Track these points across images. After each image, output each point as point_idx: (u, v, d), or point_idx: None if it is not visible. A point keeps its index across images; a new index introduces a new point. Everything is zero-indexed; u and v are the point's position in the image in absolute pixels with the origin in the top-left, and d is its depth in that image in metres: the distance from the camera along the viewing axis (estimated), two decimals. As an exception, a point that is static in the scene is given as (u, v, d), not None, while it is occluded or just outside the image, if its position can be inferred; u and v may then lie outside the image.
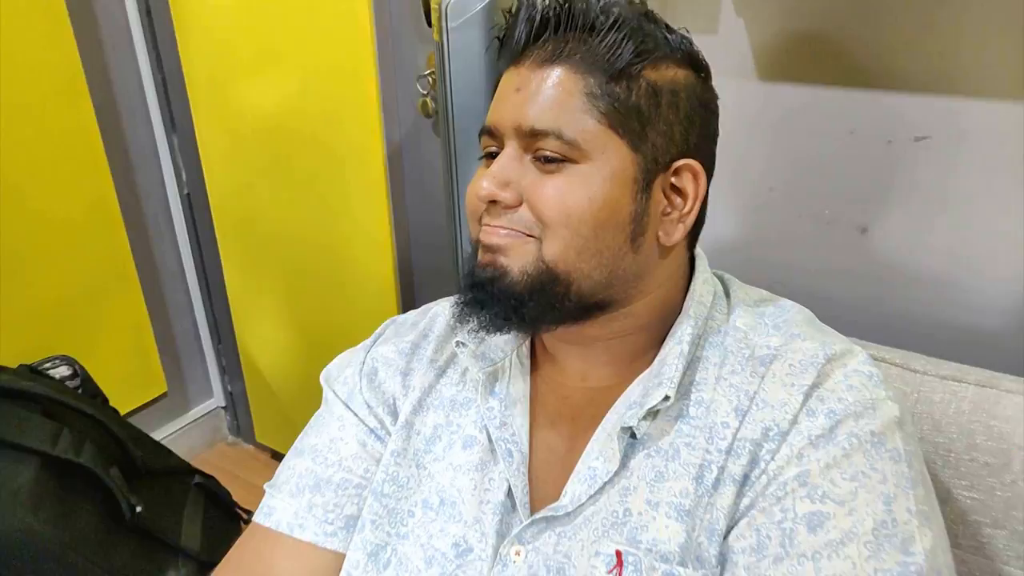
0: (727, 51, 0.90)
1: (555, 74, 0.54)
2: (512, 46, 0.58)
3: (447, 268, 1.31)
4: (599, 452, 0.56)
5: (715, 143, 0.61)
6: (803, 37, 0.86)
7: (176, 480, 1.46)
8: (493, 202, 0.55)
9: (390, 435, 0.67)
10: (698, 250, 0.65)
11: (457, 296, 0.60)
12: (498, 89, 0.58)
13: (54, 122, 1.39)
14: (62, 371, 1.44)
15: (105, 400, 1.45)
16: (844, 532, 0.49)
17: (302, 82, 1.29)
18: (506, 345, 0.65)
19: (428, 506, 0.61)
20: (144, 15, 1.46)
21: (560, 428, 0.61)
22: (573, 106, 0.53)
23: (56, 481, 1.22)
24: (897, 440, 0.52)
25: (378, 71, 1.20)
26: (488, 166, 0.58)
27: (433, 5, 0.90)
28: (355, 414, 0.69)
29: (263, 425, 1.75)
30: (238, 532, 1.55)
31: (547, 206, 0.53)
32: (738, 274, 0.68)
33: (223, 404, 1.83)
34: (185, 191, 1.61)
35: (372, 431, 0.68)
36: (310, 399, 1.70)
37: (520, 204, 0.55)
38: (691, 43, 0.59)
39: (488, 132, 0.57)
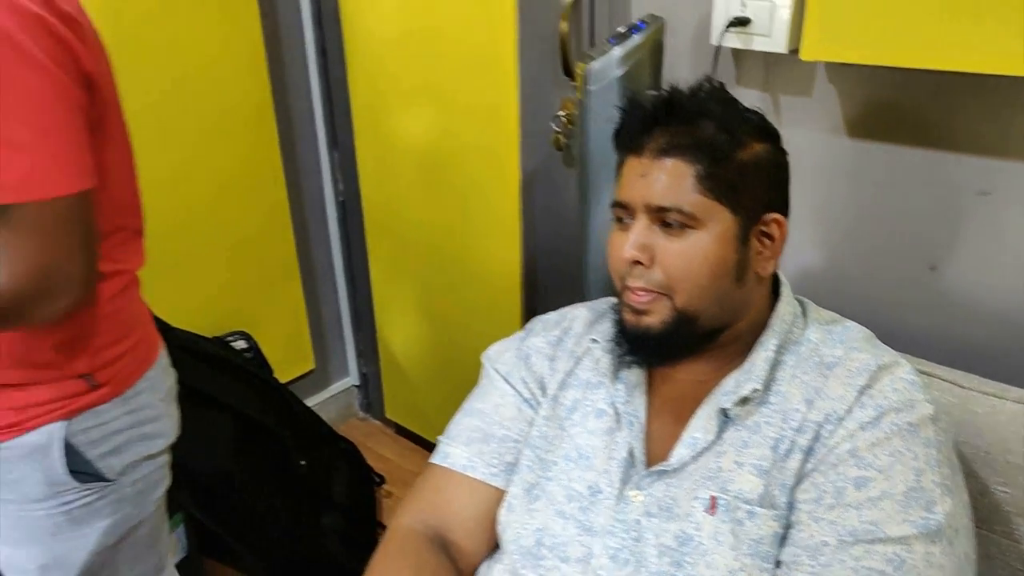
0: (820, 111, 1.09)
1: (670, 164, 0.74)
2: (629, 138, 0.79)
3: (565, 277, 1.53)
4: (701, 426, 0.77)
5: (788, 187, 0.81)
6: (885, 103, 1.04)
7: (327, 444, 1.74)
8: (634, 263, 0.76)
9: (540, 404, 0.89)
10: (783, 279, 0.84)
11: (616, 336, 0.82)
12: (624, 172, 0.79)
13: (244, 141, 1.68)
14: (240, 344, 1.74)
15: (271, 371, 1.74)
16: (881, 491, 0.68)
17: (452, 113, 1.53)
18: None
19: (568, 458, 0.83)
20: (320, 55, 1.74)
21: (669, 407, 0.82)
22: (687, 187, 0.74)
23: (243, 434, 1.50)
24: (929, 431, 0.71)
25: (519, 108, 1.42)
26: (621, 230, 0.78)
27: (577, 71, 1.12)
28: (513, 387, 0.92)
29: (393, 403, 2.01)
30: (373, 491, 1.82)
31: (675, 266, 0.74)
32: (820, 300, 0.87)
33: (357, 383, 2.11)
34: (341, 198, 1.89)
35: (526, 400, 0.90)
36: (437, 382, 1.98)
37: (653, 263, 0.75)
38: (763, 117, 0.80)
39: (620, 205, 0.78)
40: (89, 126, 0.78)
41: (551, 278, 1.57)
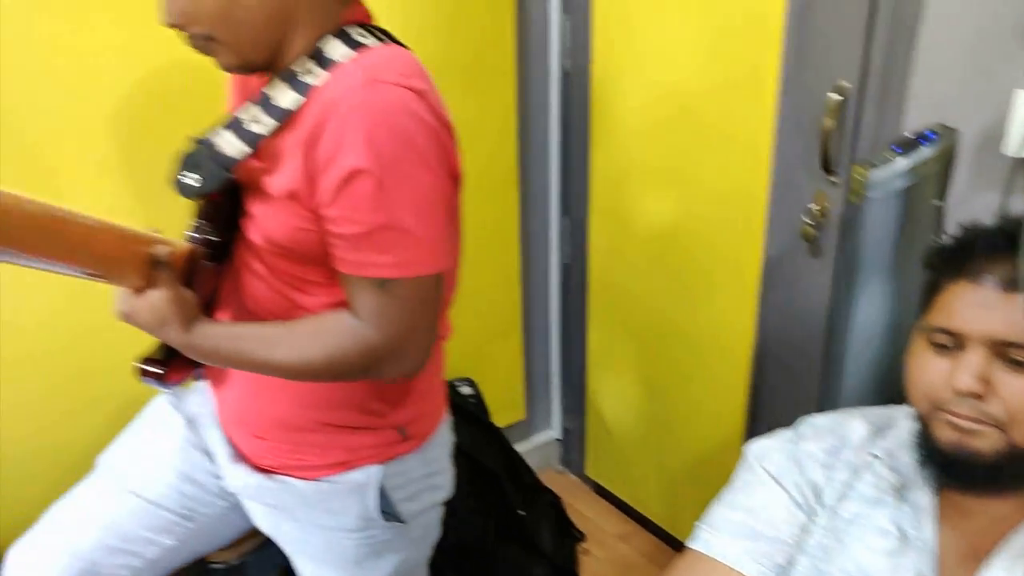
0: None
1: (1021, 300, 0.74)
2: (963, 262, 0.79)
3: (799, 363, 1.54)
4: (1004, 567, 0.76)
5: None
6: None
7: (537, 495, 1.82)
8: (967, 394, 0.75)
9: (815, 511, 0.91)
10: None
11: (921, 453, 0.82)
12: (951, 298, 0.78)
13: (490, 202, 1.82)
14: (466, 390, 1.86)
15: (489, 417, 1.85)
16: None
17: (695, 192, 1.59)
18: (912, 464, 0.87)
19: (846, 571, 0.85)
20: (563, 127, 1.87)
21: (964, 539, 0.81)
22: None
23: (472, 477, 1.60)
24: None
25: (769, 194, 1.46)
26: (941, 355, 0.78)
27: (855, 175, 1.15)
28: (785, 490, 0.94)
29: (595, 461, 2.07)
30: (574, 545, 1.87)
31: (1020, 403, 0.74)
32: None
33: (559, 437, 2.19)
34: (565, 261, 1.99)
35: (799, 505, 0.92)
36: (645, 447, 2.01)
37: (990, 396, 0.75)
38: None
39: (946, 332, 0.78)
40: (451, 215, 0.90)
41: (782, 363, 1.58)
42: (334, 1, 0.89)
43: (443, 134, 0.86)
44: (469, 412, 1.70)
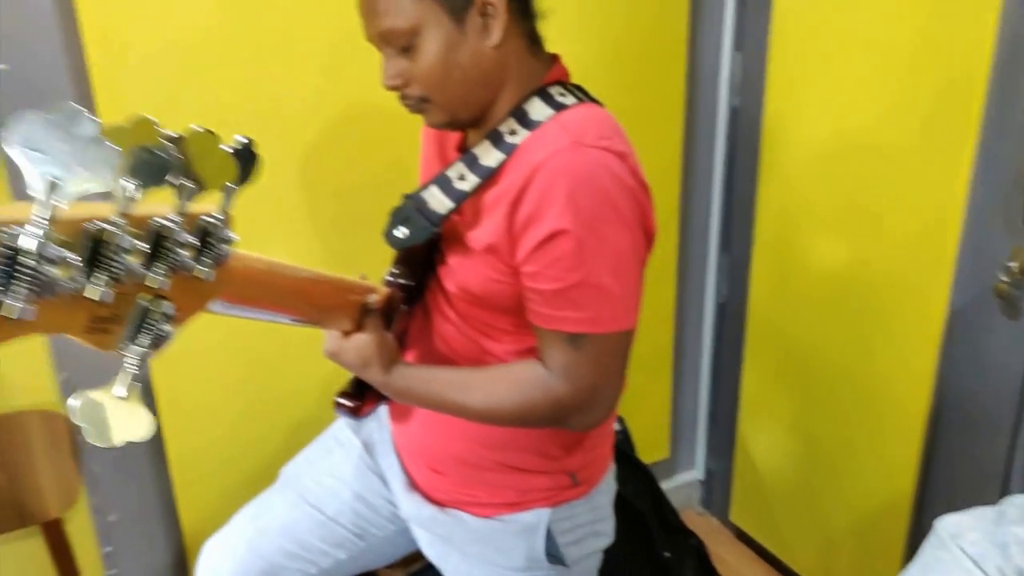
0: None
1: None
2: None
3: (982, 430, 1.43)
4: None
5: None
6: None
7: (683, 537, 1.78)
8: None
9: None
10: None
11: None
12: None
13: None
14: (615, 425, 1.85)
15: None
16: None
17: (872, 236, 1.51)
18: None
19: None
20: (727, 163, 1.83)
21: None
22: None
23: (617, 513, 1.58)
24: None
25: (959, 243, 1.37)
26: None
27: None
28: (985, 573, 0.88)
29: (741, 506, 2.01)
30: (718, 594, 1.81)
31: None
32: None
33: (701, 478, 2.14)
34: (721, 300, 1.95)
35: None
36: (799, 499, 1.93)
37: None
38: None
39: None
40: (642, 273, 0.91)
41: (964, 424, 1.47)
42: (537, 63, 0.92)
43: (641, 195, 0.87)
44: (618, 448, 1.68)
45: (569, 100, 0.90)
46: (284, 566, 1.11)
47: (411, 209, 0.91)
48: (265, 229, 1.39)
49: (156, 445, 1.47)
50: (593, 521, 1.08)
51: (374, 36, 0.86)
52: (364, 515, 1.14)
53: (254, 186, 1.25)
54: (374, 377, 0.91)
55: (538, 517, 1.02)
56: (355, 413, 1.00)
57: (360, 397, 1.00)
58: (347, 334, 0.90)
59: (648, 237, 0.90)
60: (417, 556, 1.28)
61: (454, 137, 1.00)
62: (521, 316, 0.91)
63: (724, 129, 1.81)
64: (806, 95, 1.59)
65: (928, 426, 1.49)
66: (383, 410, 1.13)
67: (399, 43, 0.84)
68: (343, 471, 1.15)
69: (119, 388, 0.45)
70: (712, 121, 1.81)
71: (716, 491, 2.11)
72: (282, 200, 1.41)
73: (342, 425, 1.20)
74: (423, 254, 0.97)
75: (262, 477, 1.28)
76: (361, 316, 0.89)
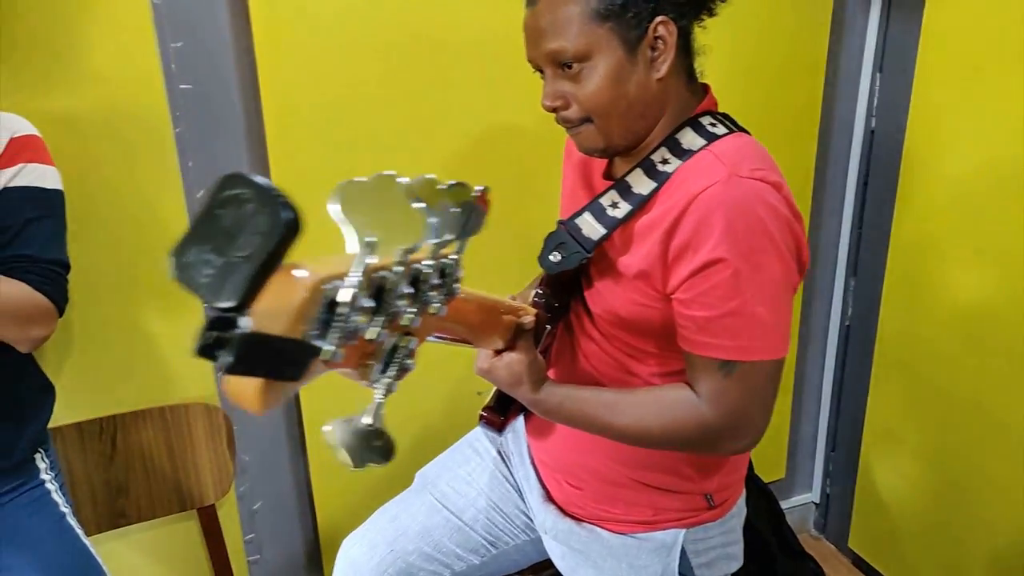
0: None
1: None
2: None
3: None
4: None
5: None
6: None
7: (802, 561, 1.75)
8: None
9: None
10: None
11: None
12: None
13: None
14: (732, 446, 1.84)
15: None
16: None
17: (1013, 279, 1.45)
18: None
19: None
20: (860, 189, 1.79)
21: None
22: None
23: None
24: None
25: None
26: None
27: None
28: None
29: (860, 532, 1.96)
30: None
31: None
32: None
33: (816, 501, 2.10)
34: (847, 323, 1.91)
35: None
36: (927, 530, 1.85)
37: None
38: None
39: None
40: (792, 302, 0.92)
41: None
42: (690, 93, 0.94)
43: (795, 224, 0.88)
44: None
45: (720, 130, 0.92)
46: (420, 567, 1.17)
47: (565, 235, 0.94)
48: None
49: (298, 442, 1.57)
50: (726, 544, 1.09)
51: (541, 56, 0.89)
52: (498, 524, 1.19)
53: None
54: (523, 394, 0.95)
55: (674, 537, 1.04)
56: (499, 428, 1.05)
57: (504, 413, 1.05)
58: (498, 353, 0.94)
59: (801, 266, 0.91)
60: (543, 565, 1.32)
61: (599, 165, 1.03)
62: (666, 340, 0.93)
63: (859, 151, 1.77)
64: (952, 120, 1.54)
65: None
66: (519, 422, 1.18)
67: (568, 66, 0.87)
68: (479, 480, 1.20)
69: (367, 417, 0.51)
70: (848, 142, 1.78)
71: (832, 516, 2.06)
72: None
73: (479, 434, 1.25)
74: (569, 275, 1.01)
75: (393, 479, 1.34)
76: (513, 336, 0.93)
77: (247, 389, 0.43)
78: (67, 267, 1.10)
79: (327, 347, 0.43)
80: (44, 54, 1.18)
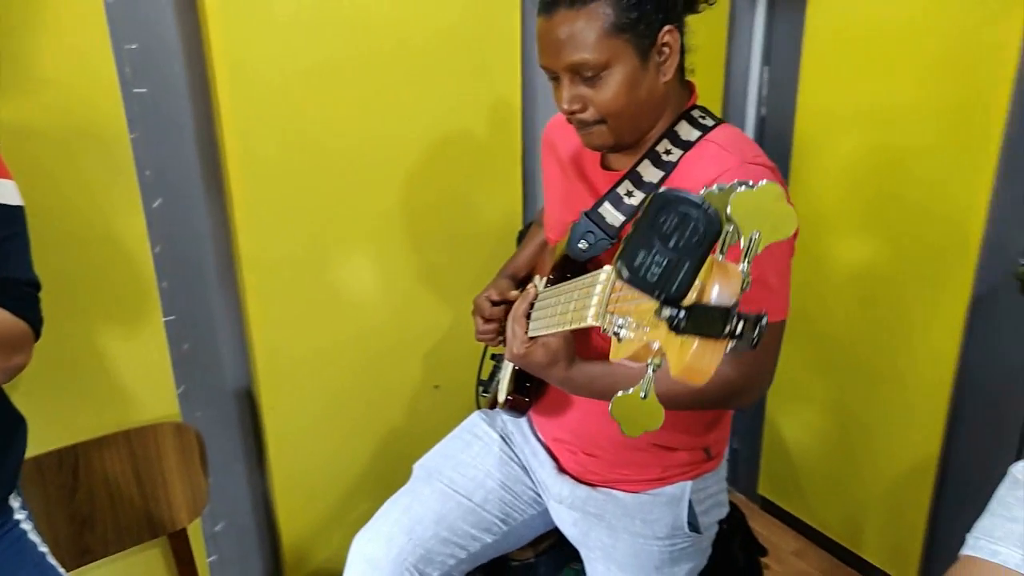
0: None
1: None
2: None
3: (1001, 404, 1.63)
4: None
5: None
6: None
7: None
8: None
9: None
10: None
11: None
12: None
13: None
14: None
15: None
16: None
17: (904, 232, 1.70)
18: None
19: None
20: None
21: None
22: None
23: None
24: None
25: (983, 235, 1.56)
26: None
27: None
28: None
29: (769, 481, 2.19)
30: (759, 560, 1.98)
31: None
32: None
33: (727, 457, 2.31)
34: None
35: None
36: (829, 472, 2.08)
37: None
38: None
39: None
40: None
41: (983, 402, 1.68)
42: (682, 91, 1.05)
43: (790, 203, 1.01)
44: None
45: (709, 122, 1.03)
46: (438, 551, 1.20)
47: (591, 224, 1.02)
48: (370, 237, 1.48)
49: (255, 458, 1.53)
50: (718, 492, 1.22)
51: (560, 66, 0.97)
52: (508, 501, 1.24)
53: (359, 197, 1.34)
54: (557, 373, 1.01)
55: (681, 489, 1.15)
56: (524, 411, 1.12)
57: (527, 394, 1.11)
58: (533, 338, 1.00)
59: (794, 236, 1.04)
60: (543, 538, 1.39)
61: (593, 157, 1.12)
62: None
63: (752, 137, 1.98)
64: (835, 109, 1.77)
65: (952, 399, 1.69)
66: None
67: (587, 74, 0.95)
68: (486, 462, 1.25)
69: (642, 392, 0.63)
70: (740, 128, 1.98)
71: (741, 468, 2.29)
72: (389, 214, 1.50)
73: (477, 420, 1.30)
74: (584, 260, 1.08)
75: (355, 494, 1.35)
76: None
77: (713, 362, 0.55)
78: (39, 286, 1.02)
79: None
80: (-10, 58, 1.09)
